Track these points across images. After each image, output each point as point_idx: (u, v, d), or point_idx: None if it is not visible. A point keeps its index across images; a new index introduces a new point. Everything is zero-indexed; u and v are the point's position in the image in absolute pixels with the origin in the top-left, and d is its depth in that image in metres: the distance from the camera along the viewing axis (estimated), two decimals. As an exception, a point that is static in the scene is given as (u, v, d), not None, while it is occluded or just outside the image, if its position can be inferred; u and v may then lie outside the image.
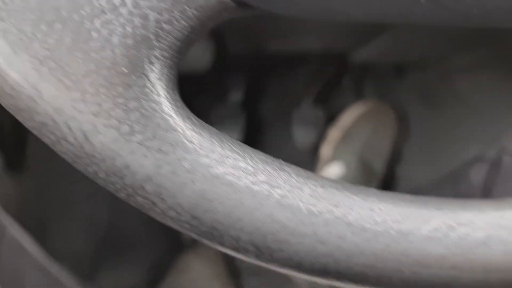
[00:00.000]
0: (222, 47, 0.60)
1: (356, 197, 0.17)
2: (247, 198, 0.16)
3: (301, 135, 0.85)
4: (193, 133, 0.16)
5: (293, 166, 0.18)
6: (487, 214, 0.18)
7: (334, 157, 0.81)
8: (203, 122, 0.17)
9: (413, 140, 0.82)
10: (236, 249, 0.16)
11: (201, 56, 0.57)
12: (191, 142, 0.16)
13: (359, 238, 0.16)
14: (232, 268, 0.82)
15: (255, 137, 0.89)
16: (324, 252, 0.16)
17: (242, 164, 0.16)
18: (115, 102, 0.15)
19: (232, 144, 0.17)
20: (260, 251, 0.16)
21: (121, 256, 0.76)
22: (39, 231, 0.71)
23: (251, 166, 0.17)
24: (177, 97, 0.17)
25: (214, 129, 0.18)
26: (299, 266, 0.16)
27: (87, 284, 0.72)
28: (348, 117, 0.83)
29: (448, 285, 0.17)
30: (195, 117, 0.17)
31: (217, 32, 0.55)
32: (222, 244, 0.16)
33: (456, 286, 0.17)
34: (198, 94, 0.89)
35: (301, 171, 0.17)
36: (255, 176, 0.16)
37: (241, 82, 0.87)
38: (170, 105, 0.16)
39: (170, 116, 0.16)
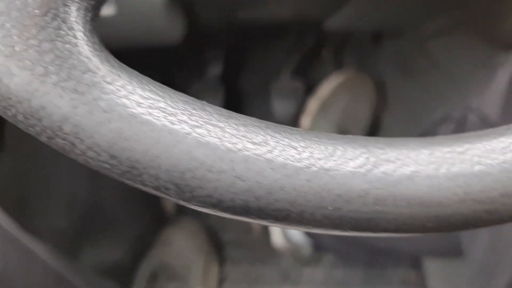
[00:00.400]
0: (193, 19, 0.59)
1: (279, 135, 0.17)
2: (164, 136, 0.16)
3: (280, 107, 0.85)
4: (111, 74, 0.16)
5: (217, 107, 0.18)
6: (416, 151, 0.18)
7: (312, 128, 0.81)
8: (124, 65, 0.17)
9: (391, 107, 0.83)
10: (157, 188, 0.16)
11: (172, 28, 0.57)
12: (108, 83, 0.16)
13: (278, 174, 0.16)
14: (215, 241, 0.83)
15: (236, 110, 0.89)
16: (243, 189, 0.16)
17: (161, 105, 0.17)
18: (28, 44, 0.15)
19: (153, 85, 0.17)
20: (180, 189, 0.16)
21: (104, 232, 0.77)
22: (20, 210, 0.71)
23: (171, 106, 0.17)
24: (96, 39, 0.17)
25: (136, 71, 0.18)
26: (220, 204, 0.17)
27: (70, 261, 0.73)
28: (326, 87, 0.83)
29: (372, 220, 0.17)
30: (115, 59, 0.17)
31: (186, 3, 0.54)
32: (143, 183, 0.16)
33: (381, 220, 0.17)
34: (177, 69, 0.88)
35: (224, 111, 0.18)
36: (175, 116, 0.16)
37: (219, 56, 0.86)
38: (87, 47, 0.16)
39: (87, 57, 0.16)
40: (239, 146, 0.16)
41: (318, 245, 0.77)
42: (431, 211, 0.17)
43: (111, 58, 0.17)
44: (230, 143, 0.16)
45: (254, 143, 0.17)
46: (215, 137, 0.16)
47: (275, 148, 0.17)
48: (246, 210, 0.17)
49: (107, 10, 0.49)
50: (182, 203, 0.17)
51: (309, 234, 0.75)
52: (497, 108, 0.40)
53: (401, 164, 0.17)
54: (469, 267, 0.41)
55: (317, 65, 0.91)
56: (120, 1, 0.49)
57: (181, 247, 0.78)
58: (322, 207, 0.17)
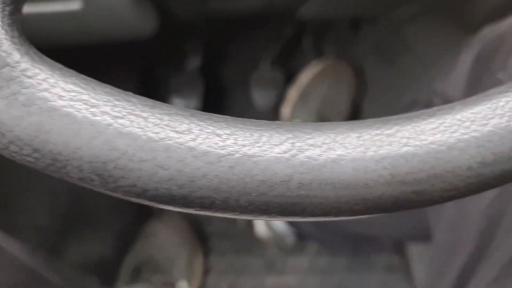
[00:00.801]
0: (164, 12, 0.59)
1: (204, 123, 0.17)
2: (85, 128, 0.16)
3: (260, 97, 0.85)
4: (33, 68, 0.16)
5: (143, 98, 0.18)
6: (344, 134, 0.18)
7: (293, 117, 0.81)
8: (47, 58, 0.17)
9: (370, 93, 0.83)
10: (82, 180, 0.17)
11: (142, 22, 0.57)
12: (28, 77, 0.16)
13: (201, 161, 0.16)
14: (199, 233, 0.83)
15: (217, 102, 0.89)
16: (166, 177, 0.16)
17: (84, 97, 0.17)
18: None
19: (76, 78, 0.17)
20: (104, 180, 0.16)
21: (87, 228, 0.77)
22: (1, 208, 0.71)
23: (94, 98, 0.17)
24: (16, 33, 0.17)
25: (60, 65, 0.18)
26: (145, 193, 0.17)
27: (47, 258, 0.73)
28: (305, 76, 0.83)
29: (299, 204, 0.17)
30: (38, 53, 0.17)
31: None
32: (68, 175, 0.16)
33: (307, 205, 0.17)
34: (156, 61, 0.88)
35: (149, 101, 0.18)
36: (98, 107, 0.16)
37: (198, 48, 0.86)
38: (6, 41, 0.16)
39: (5, 52, 0.16)
40: (162, 135, 0.16)
41: (301, 234, 0.78)
42: (358, 194, 0.17)
43: (33, 52, 0.17)
44: (152, 132, 0.16)
45: (177, 132, 0.17)
46: (137, 127, 0.16)
47: (199, 136, 0.17)
48: (171, 198, 0.17)
49: (72, 5, 0.49)
50: (109, 193, 0.17)
51: (291, 223, 0.76)
52: (460, 90, 0.40)
53: (327, 148, 0.17)
54: (432, 248, 0.42)
55: (297, 54, 0.90)
56: (86, -5, 0.48)
57: (165, 240, 0.78)
58: (246, 193, 0.17)
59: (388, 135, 0.18)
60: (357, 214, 0.18)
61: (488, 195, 0.34)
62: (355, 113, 0.85)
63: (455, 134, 0.18)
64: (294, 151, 0.17)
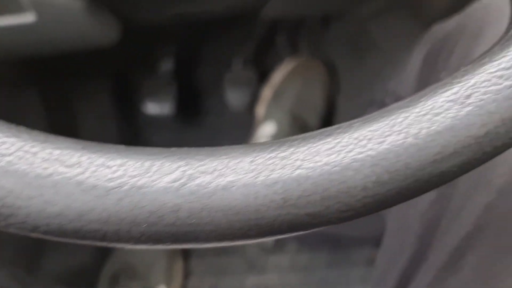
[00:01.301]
0: (125, 18, 0.59)
1: (94, 155, 0.17)
2: None
3: (234, 98, 0.85)
4: None
5: (35, 132, 0.18)
6: (237, 159, 0.18)
7: (266, 116, 0.81)
8: None
9: (344, 90, 0.83)
10: None
11: (101, 31, 0.56)
12: None
13: (89, 195, 0.16)
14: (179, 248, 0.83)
15: (191, 104, 0.89)
16: (55, 213, 0.16)
17: None
18: None
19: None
20: None
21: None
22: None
23: None
24: None
25: None
26: (37, 229, 0.17)
27: (33, 271, 0.73)
28: (278, 74, 0.83)
29: (191, 233, 0.17)
30: None
31: (110, 5, 0.54)
32: None
33: (200, 232, 0.17)
34: (129, 66, 0.88)
35: (41, 135, 0.18)
36: None
37: (170, 51, 0.86)
38: None
39: None
40: (50, 170, 0.17)
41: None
42: (250, 220, 0.17)
43: None
44: (41, 168, 0.16)
45: (66, 166, 0.17)
46: (25, 164, 0.16)
47: (88, 169, 0.17)
48: (63, 232, 0.17)
49: (26, 18, 0.48)
50: (3, 229, 0.17)
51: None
52: (411, 90, 0.40)
53: (218, 175, 0.17)
54: (379, 253, 0.42)
55: (271, 52, 0.90)
56: (39, 8, 0.48)
57: (144, 251, 0.78)
58: (137, 224, 0.17)
59: (282, 158, 0.18)
60: (254, 238, 0.18)
61: (427, 198, 0.34)
62: (330, 110, 0.85)
63: (351, 154, 0.18)
64: (184, 180, 0.17)
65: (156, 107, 0.83)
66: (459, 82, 0.19)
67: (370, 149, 0.18)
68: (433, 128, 0.18)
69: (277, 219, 0.17)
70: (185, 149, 0.18)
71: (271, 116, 0.80)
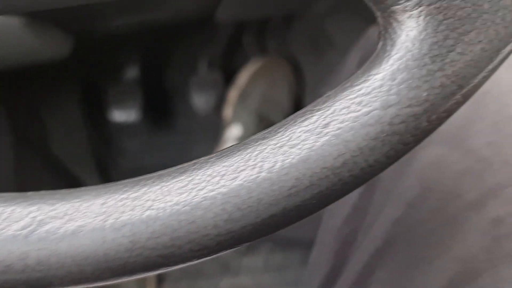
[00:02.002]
0: (72, 32, 0.59)
1: None
2: None
3: (201, 101, 0.85)
4: None
5: None
6: (89, 202, 0.18)
7: (233, 118, 0.81)
8: None
9: (309, 89, 0.82)
10: None
11: (51, 44, 0.56)
12: None
13: None
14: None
15: (158, 110, 0.88)
16: None
17: None
18: None
19: None
20: None
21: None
22: None
23: None
24: None
25: None
26: None
27: None
28: (244, 75, 0.82)
29: (43, 279, 0.17)
30: None
31: (54, 20, 0.54)
32: None
33: (53, 278, 0.17)
34: (95, 73, 0.88)
35: None
36: None
37: (135, 57, 0.86)
38: None
39: None
40: None
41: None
42: (101, 264, 0.17)
43: None
44: None
45: None
46: None
47: None
48: None
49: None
50: None
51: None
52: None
53: (68, 220, 0.17)
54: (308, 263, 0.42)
55: (238, 53, 0.90)
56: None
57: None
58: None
59: (134, 199, 0.18)
60: (112, 280, 0.18)
61: (342, 213, 0.34)
62: (297, 108, 0.85)
63: (202, 192, 0.18)
64: (33, 226, 0.17)
65: (122, 114, 0.83)
66: (319, 110, 0.19)
67: (223, 185, 0.18)
68: (287, 161, 0.18)
69: (128, 262, 0.17)
70: (41, 193, 0.18)
71: (237, 118, 0.80)
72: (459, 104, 0.18)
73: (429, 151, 0.30)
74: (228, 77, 0.86)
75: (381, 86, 0.18)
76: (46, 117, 0.84)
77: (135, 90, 0.84)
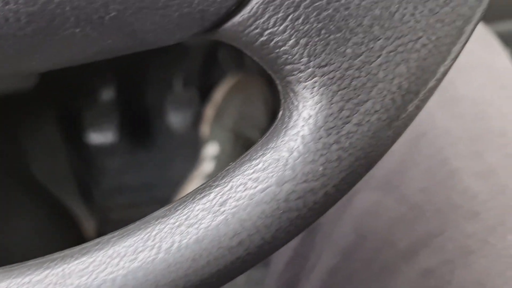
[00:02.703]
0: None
1: None
2: None
3: (177, 119, 0.85)
4: None
5: None
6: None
7: (210, 136, 0.81)
8: None
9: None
10: None
11: (15, 82, 0.56)
12: None
13: None
14: None
15: (136, 131, 0.89)
16: None
17: None
18: None
19: None
20: None
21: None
22: None
23: None
24: None
25: None
26: None
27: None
28: (220, 93, 0.83)
29: None
30: None
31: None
32: None
33: None
34: (71, 97, 0.88)
35: None
36: None
37: (110, 80, 0.86)
38: None
39: None
40: None
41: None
42: None
43: None
44: None
45: None
46: None
47: None
48: None
49: None
50: None
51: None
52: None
53: None
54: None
55: (215, 69, 0.90)
56: None
57: None
58: None
59: (36, 282, 0.18)
60: None
61: (282, 258, 0.34)
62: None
63: (103, 274, 0.18)
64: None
65: (99, 136, 0.83)
66: (217, 186, 0.19)
67: (122, 267, 0.18)
68: (184, 241, 0.18)
69: None
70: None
71: (214, 135, 0.80)
72: (359, 174, 0.18)
73: (364, 197, 0.30)
74: (205, 94, 0.87)
75: (277, 160, 0.18)
76: (24, 140, 0.84)
77: (111, 111, 0.84)
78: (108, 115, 0.84)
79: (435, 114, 0.30)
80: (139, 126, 0.89)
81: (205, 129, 0.83)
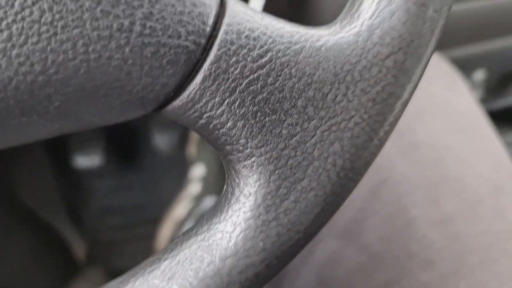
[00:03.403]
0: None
1: None
2: None
3: (162, 140, 0.85)
4: None
5: None
6: None
7: (197, 157, 0.82)
8: None
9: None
10: None
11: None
12: None
13: None
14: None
15: (122, 153, 0.89)
16: None
17: None
18: None
19: None
20: None
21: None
22: None
23: None
24: None
25: None
26: None
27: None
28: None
29: None
30: None
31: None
32: None
33: None
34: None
35: None
36: None
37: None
38: None
39: None
40: None
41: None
42: None
43: None
44: None
45: None
46: None
47: None
48: None
49: None
50: None
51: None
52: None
53: None
54: None
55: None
56: None
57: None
58: None
59: None
60: None
61: None
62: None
63: None
64: None
65: (86, 160, 0.83)
66: (166, 259, 0.19)
67: None
68: None
69: None
70: None
71: (200, 157, 0.81)
72: (300, 246, 0.19)
73: (326, 246, 0.30)
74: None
75: (221, 236, 0.19)
76: (11, 164, 0.85)
77: (97, 134, 0.85)
78: (94, 138, 0.84)
79: (395, 161, 0.31)
80: (126, 148, 0.89)
81: (191, 150, 0.84)
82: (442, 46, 0.64)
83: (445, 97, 0.34)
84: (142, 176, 0.90)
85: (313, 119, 0.17)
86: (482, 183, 0.30)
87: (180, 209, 0.80)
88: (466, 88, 0.37)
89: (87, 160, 0.83)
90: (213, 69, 0.17)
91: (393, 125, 0.18)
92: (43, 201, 0.87)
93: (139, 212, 0.91)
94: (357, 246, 0.29)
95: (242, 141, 0.17)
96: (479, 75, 0.67)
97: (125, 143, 0.89)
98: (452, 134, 0.32)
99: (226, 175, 0.20)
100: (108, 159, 0.85)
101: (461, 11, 0.62)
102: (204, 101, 0.17)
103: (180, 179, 0.86)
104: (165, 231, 0.82)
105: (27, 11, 0.15)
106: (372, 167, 0.31)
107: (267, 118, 0.17)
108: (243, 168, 0.18)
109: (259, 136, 0.17)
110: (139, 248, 0.89)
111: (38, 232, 0.87)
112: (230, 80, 0.17)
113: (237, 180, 0.18)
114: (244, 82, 0.17)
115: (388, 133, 0.18)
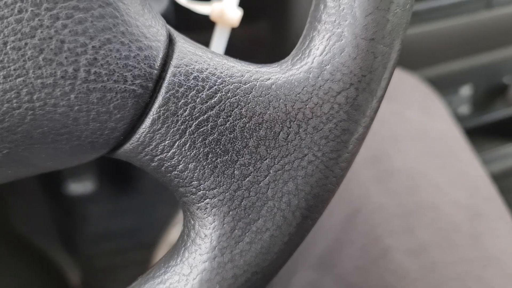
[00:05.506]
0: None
1: None
2: None
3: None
4: None
5: None
6: None
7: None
8: None
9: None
10: None
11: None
12: None
13: None
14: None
15: (116, 177, 0.89)
16: None
17: None
18: None
19: None
20: None
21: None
22: None
23: None
24: None
25: None
26: None
27: None
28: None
29: None
30: None
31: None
32: None
33: None
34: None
35: None
36: None
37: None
38: None
39: None
40: None
41: None
42: None
43: None
44: None
45: None
46: None
47: None
48: None
49: None
50: None
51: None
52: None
53: None
54: None
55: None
56: None
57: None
58: None
59: None
60: None
61: None
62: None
63: None
64: None
65: (79, 186, 0.83)
66: None
67: None
68: None
69: None
70: None
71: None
72: (260, 286, 0.19)
73: (302, 277, 0.30)
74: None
75: (178, 280, 0.18)
76: (3, 192, 0.84)
77: (91, 164, 0.85)
78: (87, 164, 0.84)
79: (370, 190, 0.30)
80: (119, 173, 0.89)
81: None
82: (428, 62, 0.64)
83: (421, 121, 0.34)
84: (136, 201, 0.89)
85: (266, 159, 0.17)
86: (458, 210, 0.29)
87: (175, 233, 0.79)
88: (444, 109, 0.36)
89: (80, 186, 0.83)
90: (161, 112, 0.17)
91: (349, 161, 0.18)
92: (36, 229, 0.87)
93: (133, 237, 0.90)
94: (333, 277, 0.29)
95: (195, 183, 0.17)
96: (466, 90, 0.67)
97: (118, 168, 0.89)
98: (428, 161, 0.31)
99: (183, 218, 0.20)
100: (101, 185, 0.85)
101: (446, 28, 0.63)
102: (154, 144, 0.17)
103: (174, 203, 0.85)
104: (161, 256, 0.82)
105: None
106: (347, 196, 0.30)
107: (218, 159, 0.17)
108: (197, 210, 0.18)
109: (211, 177, 0.17)
110: (135, 274, 0.88)
111: (32, 260, 0.87)
112: (180, 122, 0.17)
113: (192, 222, 0.18)
114: (194, 124, 0.17)
115: (345, 170, 0.18)
